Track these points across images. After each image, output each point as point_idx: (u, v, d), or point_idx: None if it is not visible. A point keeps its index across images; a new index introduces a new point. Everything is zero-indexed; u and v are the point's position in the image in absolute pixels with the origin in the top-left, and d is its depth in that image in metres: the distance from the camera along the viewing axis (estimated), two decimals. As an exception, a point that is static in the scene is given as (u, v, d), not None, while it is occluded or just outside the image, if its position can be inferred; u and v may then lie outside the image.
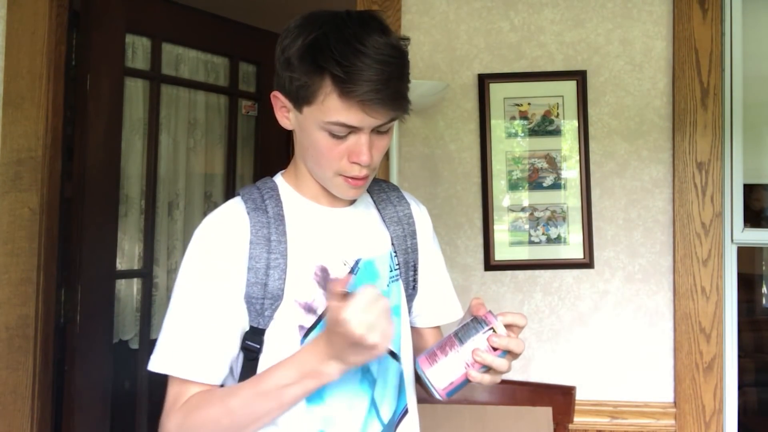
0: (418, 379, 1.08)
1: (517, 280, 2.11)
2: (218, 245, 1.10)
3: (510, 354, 1.00)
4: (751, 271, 4.36)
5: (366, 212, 1.23)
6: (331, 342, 0.96)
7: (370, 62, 0.98)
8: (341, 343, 0.94)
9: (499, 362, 0.99)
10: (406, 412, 1.22)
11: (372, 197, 1.26)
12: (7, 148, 2.07)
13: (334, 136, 1.04)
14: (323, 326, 1.08)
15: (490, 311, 1.00)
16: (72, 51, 2.25)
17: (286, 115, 1.12)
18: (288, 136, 2.88)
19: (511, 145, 2.12)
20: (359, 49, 0.99)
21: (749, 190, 2.37)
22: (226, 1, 2.70)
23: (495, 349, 0.98)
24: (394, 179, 1.95)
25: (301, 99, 1.04)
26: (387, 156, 1.95)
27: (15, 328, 2.05)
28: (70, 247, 2.25)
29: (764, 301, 4.50)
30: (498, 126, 2.11)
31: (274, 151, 2.90)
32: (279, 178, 1.20)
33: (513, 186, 2.11)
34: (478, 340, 0.99)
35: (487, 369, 0.99)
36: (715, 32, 2.06)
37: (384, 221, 1.24)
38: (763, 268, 4.57)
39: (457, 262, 2.10)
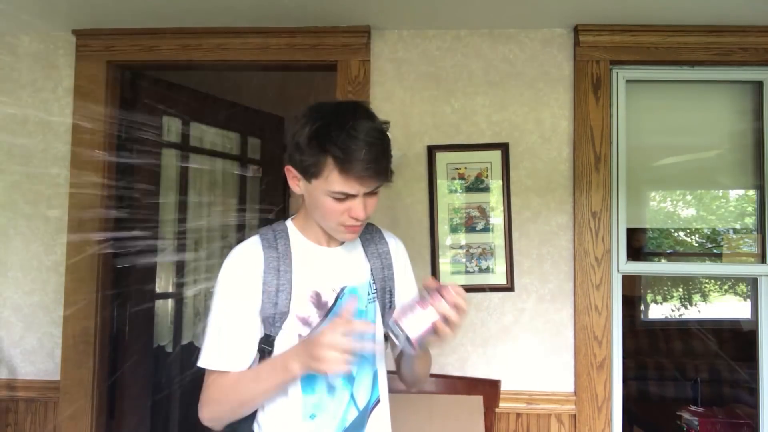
0: (388, 338, 1.24)
1: (456, 300, 2.49)
2: (240, 273, 1.25)
3: (460, 311, 1.16)
4: (632, 293, 4.82)
5: (354, 250, 1.38)
6: (304, 348, 1.14)
7: (362, 145, 1.13)
8: (308, 352, 1.12)
9: (455, 315, 1.15)
10: (378, 401, 1.36)
11: (360, 237, 1.39)
12: (74, 201, 2.45)
13: (336, 199, 1.20)
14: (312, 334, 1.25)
15: (442, 284, 1.19)
16: (123, 128, 2.56)
17: (297, 184, 1.26)
18: (284, 191, 3.19)
19: (452, 199, 2.43)
20: (353, 135, 1.13)
21: (631, 232, 2.51)
22: (237, 91, 2.96)
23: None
24: (364, 224, 2.30)
25: (310, 174, 1.20)
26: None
27: (80, 336, 2.41)
28: (121, 276, 2.54)
29: (642, 316, 4.91)
30: (442, 184, 2.42)
31: (273, 203, 3.14)
32: (289, 222, 1.35)
33: (453, 229, 2.41)
34: (438, 301, 1.16)
35: (445, 323, 1.16)
36: (605, 114, 2.39)
37: (367, 256, 1.39)
38: (641, 291, 4.97)
39: (412, 286, 2.46)
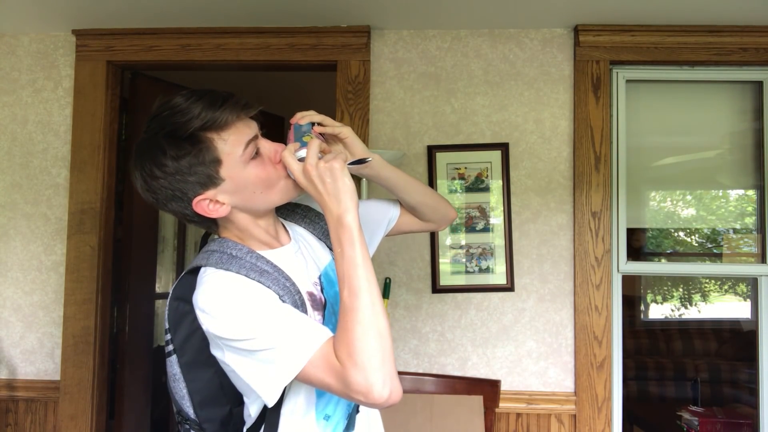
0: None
1: (456, 300, 2.42)
2: (263, 294, 1.06)
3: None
4: (632, 293, 4.89)
5: (303, 240, 1.27)
6: (317, 195, 1.05)
7: (201, 96, 1.05)
8: (315, 185, 1.04)
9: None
10: None
11: (299, 224, 1.30)
12: (74, 201, 2.47)
13: (254, 158, 1.09)
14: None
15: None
16: (122, 128, 2.61)
17: (219, 204, 1.09)
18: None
19: (452, 199, 2.44)
20: (191, 105, 1.04)
21: (631, 232, 2.53)
22: (237, 91, 2.95)
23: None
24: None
25: (212, 170, 1.06)
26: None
27: (80, 336, 2.43)
28: (120, 276, 2.58)
29: (642, 316, 4.95)
30: (442, 184, 2.44)
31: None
32: (233, 242, 1.15)
33: (453, 229, 2.43)
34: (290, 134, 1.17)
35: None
36: (605, 114, 2.41)
37: (318, 237, 1.30)
38: (641, 291, 5.01)
39: (411, 286, 2.44)
